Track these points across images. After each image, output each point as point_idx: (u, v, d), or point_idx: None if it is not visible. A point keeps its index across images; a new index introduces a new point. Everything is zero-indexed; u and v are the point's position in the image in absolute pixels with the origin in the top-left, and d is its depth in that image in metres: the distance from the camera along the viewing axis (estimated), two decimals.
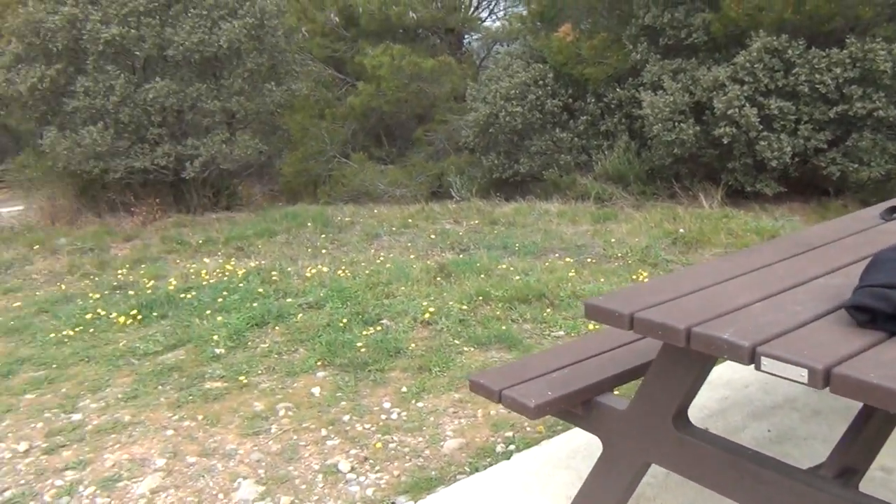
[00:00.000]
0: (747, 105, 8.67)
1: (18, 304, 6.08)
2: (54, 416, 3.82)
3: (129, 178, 9.23)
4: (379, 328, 4.81)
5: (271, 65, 10.37)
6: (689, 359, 1.89)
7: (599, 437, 2.28)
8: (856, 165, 8.70)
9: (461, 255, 6.93)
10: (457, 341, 4.59)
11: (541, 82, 10.84)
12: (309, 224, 8.52)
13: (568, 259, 6.60)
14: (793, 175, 9.10)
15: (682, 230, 7.40)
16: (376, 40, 14.44)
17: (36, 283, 6.91)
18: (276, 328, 4.86)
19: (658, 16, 10.01)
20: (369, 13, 14.62)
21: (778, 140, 8.66)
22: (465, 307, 5.12)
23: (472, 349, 4.49)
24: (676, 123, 9.19)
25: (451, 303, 5.21)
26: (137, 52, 9.04)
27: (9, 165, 12.31)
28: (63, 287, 6.54)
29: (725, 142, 8.85)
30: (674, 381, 1.96)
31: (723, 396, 3.51)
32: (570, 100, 10.97)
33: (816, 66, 8.53)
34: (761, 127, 8.70)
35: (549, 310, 5.10)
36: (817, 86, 8.56)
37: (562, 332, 4.73)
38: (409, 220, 8.77)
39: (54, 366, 4.52)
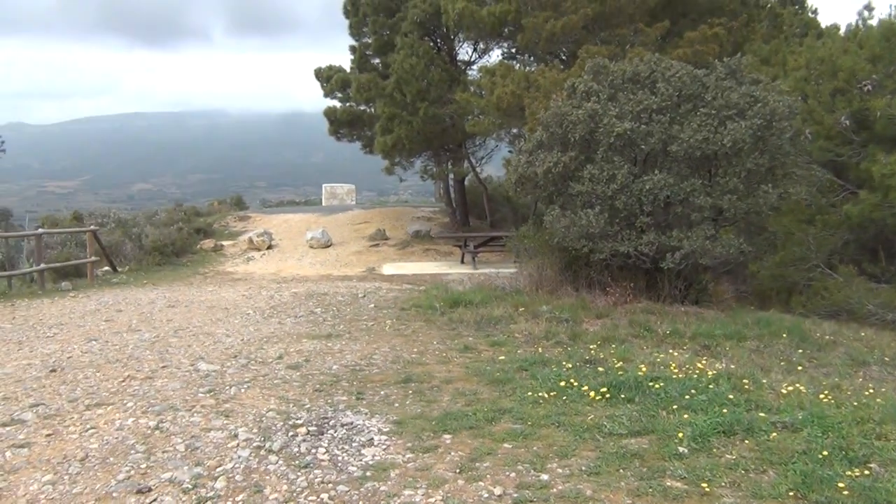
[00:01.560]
0: None
1: (503, 357, 6.87)
2: (525, 470, 4.18)
3: (611, 260, 9.81)
4: (867, 472, 4.21)
5: (770, 166, 10.07)
6: None
7: None
8: None
9: None
10: None
11: None
12: (784, 335, 7.98)
13: None
14: None
15: None
16: (891, 147, 13.03)
17: (517, 341, 7.75)
18: (746, 441, 4.60)
19: None
20: (888, 117, 13.29)
21: None
22: None
23: None
24: None
25: None
26: (643, 146, 9.64)
27: (511, 233, 14.11)
28: (540, 350, 7.21)
29: None
30: None
31: None
32: None
33: None
34: None
35: None
36: None
37: None
38: None
39: (529, 423, 4.97)
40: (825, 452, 4.38)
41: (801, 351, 7.40)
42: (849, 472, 4.16)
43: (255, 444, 4.68)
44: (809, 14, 23.45)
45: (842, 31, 17.81)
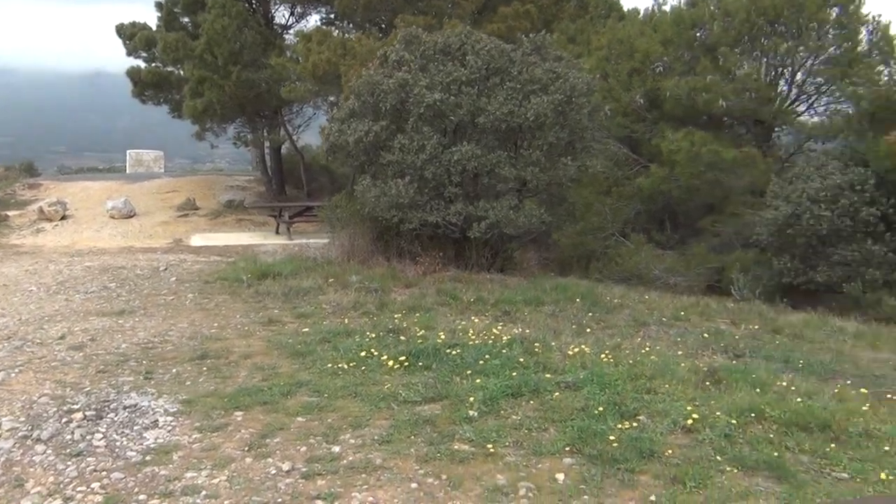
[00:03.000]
0: None
1: (307, 329, 6.76)
2: (317, 443, 4.14)
3: (421, 229, 9.94)
4: (635, 424, 4.57)
5: (570, 140, 10.61)
6: None
7: None
8: None
9: (735, 362, 6.41)
10: (719, 457, 4.20)
11: (858, 187, 9.85)
12: (577, 300, 8.48)
13: (862, 389, 5.77)
14: None
15: None
16: (678, 125, 14.19)
17: (324, 312, 7.66)
18: (531, 402, 4.84)
19: None
20: (676, 97, 14.45)
21: None
22: (733, 421, 4.68)
23: (735, 470, 4.07)
24: None
25: (717, 413, 4.80)
26: (452, 117, 9.79)
27: (325, 203, 13.90)
28: (346, 321, 7.17)
29: None
30: None
31: None
32: (891, 210, 9.80)
33: None
34: None
35: (832, 444, 4.48)
36: None
37: (846, 475, 4.12)
38: (682, 313, 8.34)
39: (326, 395, 4.93)
40: (601, 408, 4.70)
41: (590, 314, 7.90)
42: (619, 425, 4.50)
43: (20, 434, 4.28)
44: None
45: (641, 15, 18.98)
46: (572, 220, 13.14)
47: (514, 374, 5.27)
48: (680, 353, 6.61)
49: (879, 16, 14.30)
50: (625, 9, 21.65)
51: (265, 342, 6.46)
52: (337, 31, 19.49)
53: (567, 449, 4.17)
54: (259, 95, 19.91)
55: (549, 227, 11.77)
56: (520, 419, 4.57)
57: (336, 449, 4.07)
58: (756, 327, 7.95)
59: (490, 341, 6.12)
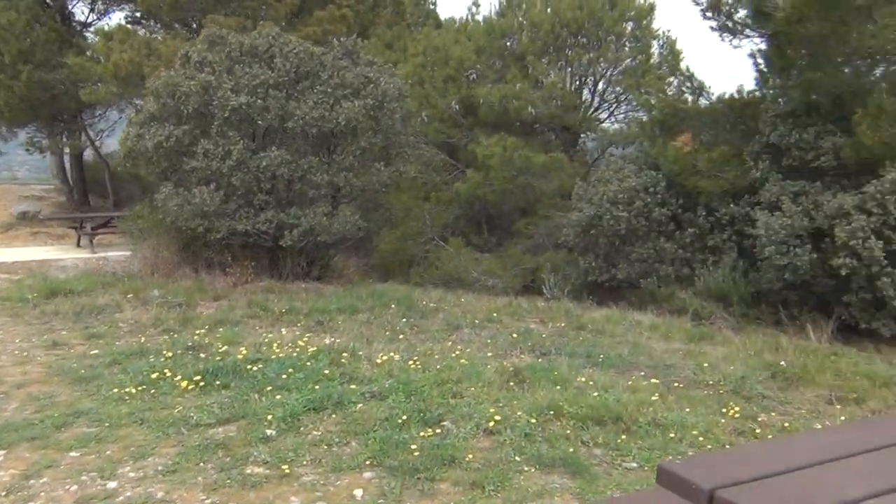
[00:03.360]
0: (873, 238, 8.07)
1: (96, 351, 6.19)
2: (91, 480, 3.74)
3: (230, 238, 9.49)
4: (439, 431, 4.54)
5: (384, 145, 10.58)
6: None
7: None
8: None
9: (540, 360, 6.60)
10: (518, 458, 4.26)
11: (651, 189, 10.56)
12: (393, 306, 8.43)
13: (654, 380, 6.14)
14: None
15: (783, 363, 6.80)
16: (492, 131, 14.61)
17: (120, 332, 7.07)
18: (334, 416, 4.67)
19: (785, 135, 9.65)
20: (489, 104, 14.85)
21: None
22: (533, 420, 4.78)
23: (534, 469, 4.14)
24: (791, 248, 8.66)
25: (519, 413, 4.89)
26: (260, 122, 9.43)
27: (126, 213, 12.98)
28: (143, 340, 6.64)
29: (843, 273, 8.23)
30: None
31: None
32: (680, 210, 10.61)
33: None
34: (885, 262, 8.05)
35: (624, 436, 4.69)
36: None
37: (635, 465, 4.31)
38: (495, 315, 8.52)
39: (107, 424, 4.49)
40: (405, 417, 4.63)
41: (405, 320, 7.87)
42: (423, 433, 4.44)
43: None
44: (430, 5, 25.28)
45: (457, 24, 19.38)
46: (391, 225, 13.13)
47: (318, 387, 5.08)
48: (490, 354, 6.72)
49: (669, 31, 15.58)
50: (442, 17, 22.08)
51: (45, 368, 5.82)
52: (143, 30, 18.37)
53: (368, 462, 4.05)
54: (55, 97, 18.30)
55: (368, 233, 11.68)
56: (320, 435, 4.39)
57: (112, 485, 3.69)
58: (563, 325, 8.27)
59: (295, 354, 5.89)
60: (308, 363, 5.64)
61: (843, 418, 5.63)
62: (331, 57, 10.50)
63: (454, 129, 15.77)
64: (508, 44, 16.16)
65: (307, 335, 6.80)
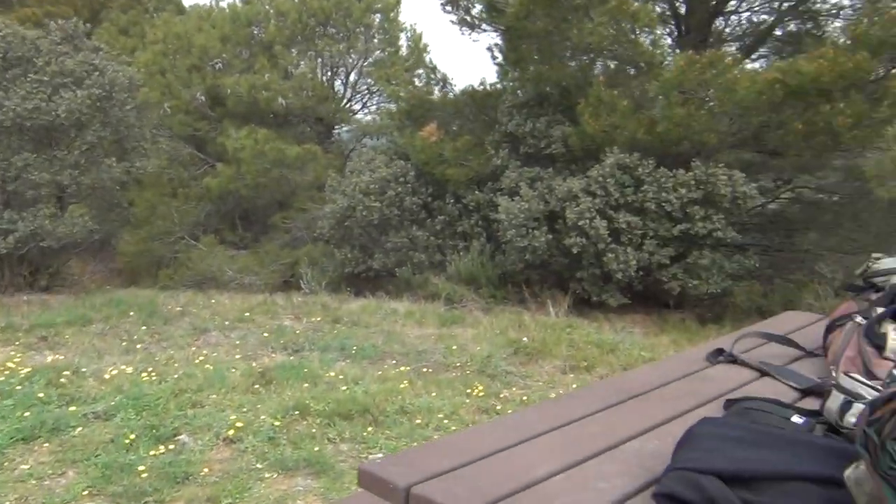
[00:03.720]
0: (597, 217, 8.84)
1: None
2: None
3: None
4: (172, 447, 4.21)
5: (116, 139, 9.72)
6: None
7: None
8: (695, 281, 8.98)
9: (292, 357, 6.42)
10: (260, 465, 4.07)
11: (402, 179, 10.74)
12: (132, 313, 7.77)
13: (404, 367, 6.23)
14: (637, 287, 9.28)
15: (525, 339, 7.23)
16: (242, 122, 14.06)
17: None
18: (46, 445, 4.15)
19: (520, 124, 10.24)
20: (237, 95, 14.27)
21: (624, 253, 8.84)
22: (278, 422, 4.61)
23: (276, 475, 3.97)
24: (530, 230, 9.24)
25: (263, 416, 4.69)
26: None
27: None
28: None
29: (575, 251, 8.94)
30: None
31: None
32: (430, 199, 10.91)
33: (664, 185, 8.85)
34: (609, 239, 8.86)
35: (371, 428, 4.67)
36: (663, 203, 8.86)
37: (381, 456, 4.30)
38: (247, 314, 8.18)
39: None
40: (133, 436, 4.23)
41: (145, 327, 7.28)
42: (154, 452, 4.10)
43: None
44: None
45: (200, 10, 18.39)
46: (134, 225, 12.16)
47: (29, 413, 4.49)
48: (238, 356, 6.41)
49: (415, 24, 15.99)
50: (185, 3, 20.87)
51: None
52: None
53: (86, 493, 3.64)
54: None
55: (106, 235, 10.72)
56: (29, 468, 3.87)
57: None
58: (318, 319, 8.14)
59: (2, 378, 5.18)
60: (19, 387, 4.97)
61: (574, 386, 6.09)
62: (48, 42, 9.44)
63: (201, 122, 14.97)
64: (256, 32, 15.64)
65: (22, 354, 6.02)
